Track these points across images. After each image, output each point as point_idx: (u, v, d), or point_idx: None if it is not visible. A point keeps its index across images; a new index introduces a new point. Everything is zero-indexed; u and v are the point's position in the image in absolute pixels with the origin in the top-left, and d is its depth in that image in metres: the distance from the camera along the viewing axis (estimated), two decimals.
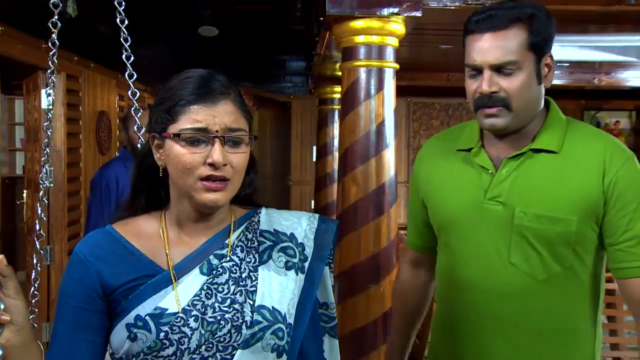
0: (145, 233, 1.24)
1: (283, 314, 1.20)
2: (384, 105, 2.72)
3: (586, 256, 1.50)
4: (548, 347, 1.52)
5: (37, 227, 2.39)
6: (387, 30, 2.69)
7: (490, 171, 1.54)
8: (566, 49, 4.24)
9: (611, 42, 3.80)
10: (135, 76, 2.21)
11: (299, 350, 1.24)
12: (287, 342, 1.20)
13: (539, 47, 1.47)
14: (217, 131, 1.15)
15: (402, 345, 1.87)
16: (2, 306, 1.00)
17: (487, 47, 1.45)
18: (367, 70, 2.71)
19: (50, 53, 2.27)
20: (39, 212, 2.37)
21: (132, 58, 2.22)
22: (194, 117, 1.15)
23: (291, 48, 7.05)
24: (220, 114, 1.16)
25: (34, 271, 2.41)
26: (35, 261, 2.42)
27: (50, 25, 2.25)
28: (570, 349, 1.53)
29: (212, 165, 1.15)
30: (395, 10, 2.63)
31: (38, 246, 2.41)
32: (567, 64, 5.06)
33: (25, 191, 4.74)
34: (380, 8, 2.64)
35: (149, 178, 1.26)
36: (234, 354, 1.16)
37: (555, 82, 6.67)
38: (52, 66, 2.27)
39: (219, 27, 6.71)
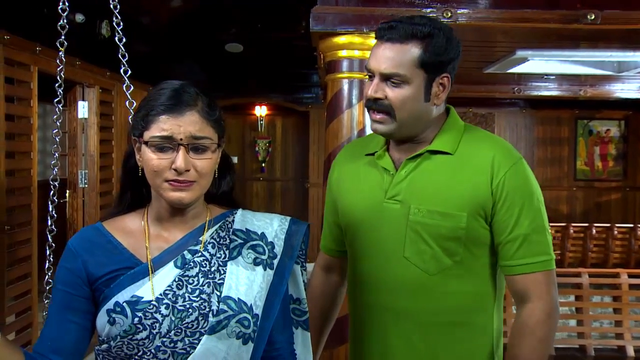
0: (129, 229, 1.27)
1: (249, 305, 1.21)
2: (365, 113, 2.68)
3: (478, 251, 1.44)
4: (442, 340, 1.46)
5: (49, 223, 2.42)
6: (368, 45, 2.66)
7: (391, 172, 1.50)
8: (550, 62, 4.12)
9: (586, 57, 3.68)
10: (129, 70, 2.20)
11: (269, 340, 1.25)
12: (253, 331, 1.20)
13: (432, 67, 1.41)
14: (181, 139, 1.16)
15: None
16: None
17: (380, 56, 1.42)
18: (349, 82, 2.68)
19: (58, 69, 2.29)
20: (50, 209, 2.39)
21: (127, 57, 2.23)
22: (161, 126, 1.17)
23: (308, 62, 7.04)
24: (185, 124, 1.17)
25: (47, 261, 2.44)
26: (47, 252, 2.45)
27: (58, 45, 2.27)
28: (466, 342, 1.46)
29: (177, 170, 1.16)
30: (374, 27, 2.59)
31: (50, 239, 2.44)
32: (553, 77, 4.95)
33: (67, 191, 4.84)
34: (360, 25, 2.62)
35: (132, 177, 1.28)
36: (201, 339, 1.17)
37: (548, 93, 6.40)
38: (59, 80, 2.28)
39: (243, 44, 6.75)
